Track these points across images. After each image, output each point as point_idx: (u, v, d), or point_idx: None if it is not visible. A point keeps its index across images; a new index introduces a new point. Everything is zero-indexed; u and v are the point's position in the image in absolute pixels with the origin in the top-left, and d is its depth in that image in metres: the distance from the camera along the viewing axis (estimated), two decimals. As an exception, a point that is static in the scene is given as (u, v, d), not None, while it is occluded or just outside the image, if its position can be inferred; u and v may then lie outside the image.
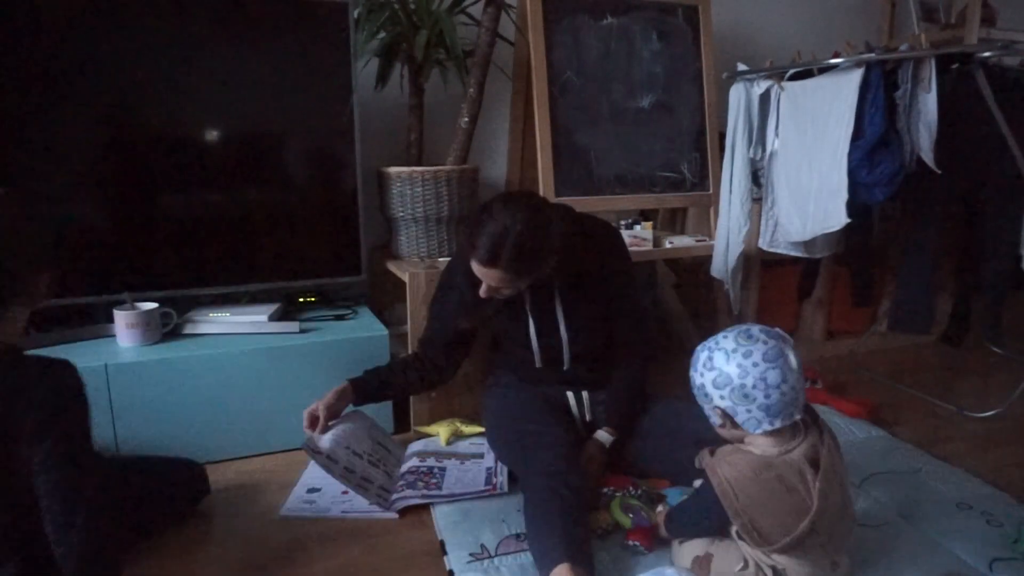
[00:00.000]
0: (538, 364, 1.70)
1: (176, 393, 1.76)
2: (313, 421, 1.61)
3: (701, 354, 1.23)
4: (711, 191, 2.51)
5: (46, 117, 1.81)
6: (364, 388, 1.69)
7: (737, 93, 2.39)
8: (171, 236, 1.96)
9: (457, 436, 1.90)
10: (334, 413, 1.64)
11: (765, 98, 2.33)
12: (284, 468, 1.79)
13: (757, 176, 2.41)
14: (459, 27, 2.12)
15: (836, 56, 2.10)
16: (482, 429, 1.85)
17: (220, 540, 1.49)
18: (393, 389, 1.75)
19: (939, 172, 1.96)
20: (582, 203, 2.13)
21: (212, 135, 1.98)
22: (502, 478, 1.64)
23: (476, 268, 1.50)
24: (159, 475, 1.52)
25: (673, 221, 2.81)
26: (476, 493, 1.61)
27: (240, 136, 2.01)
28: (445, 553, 1.42)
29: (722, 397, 1.18)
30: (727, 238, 2.39)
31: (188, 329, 1.93)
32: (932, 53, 1.93)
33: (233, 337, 1.90)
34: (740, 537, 1.23)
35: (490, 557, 1.39)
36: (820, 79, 2.15)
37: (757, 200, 2.40)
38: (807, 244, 2.33)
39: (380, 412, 1.98)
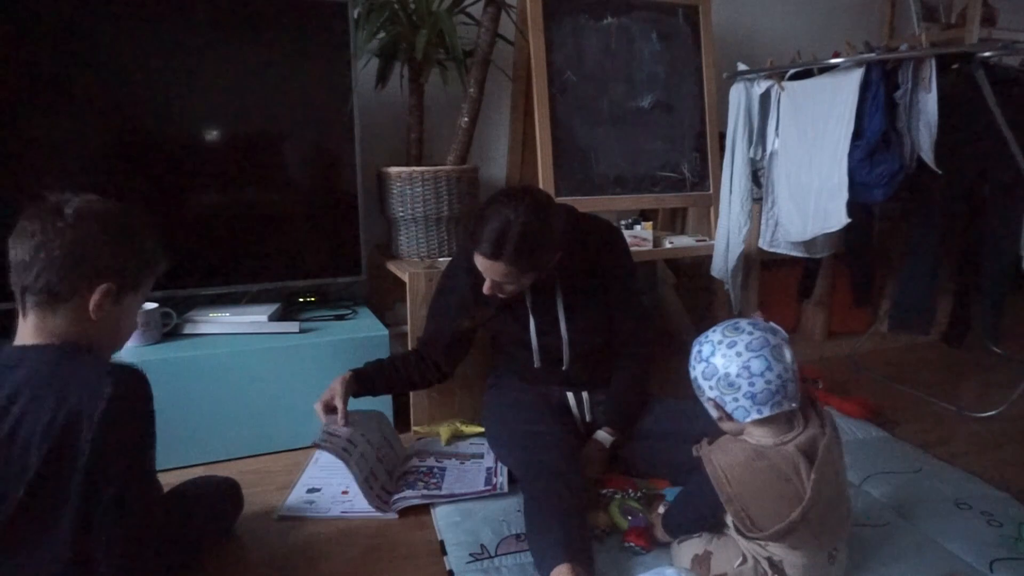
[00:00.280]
0: (537, 364, 1.70)
1: (176, 393, 1.76)
2: (330, 410, 1.60)
3: (693, 348, 1.27)
4: (711, 191, 2.50)
5: (46, 117, 1.81)
6: (366, 379, 1.67)
7: (737, 93, 2.39)
8: (171, 236, 1.96)
9: (457, 436, 1.90)
10: (345, 403, 1.64)
11: (765, 98, 2.33)
12: (283, 468, 1.79)
13: (757, 176, 2.41)
14: (459, 27, 2.12)
15: (836, 56, 2.10)
16: (482, 429, 1.85)
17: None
18: (393, 383, 1.74)
19: (939, 172, 1.96)
20: (582, 203, 2.13)
21: (212, 135, 1.98)
22: (502, 478, 1.64)
23: (479, 262, 1.50)
24: (202, 497, 1.46)
25: (673, 221, 2.81)
26: (476, 493, 1.60)
27: (240, 136, 2.01)
28: (445, 553, 1.42)
29: (711, 388, 1.22)
30: (727, 238, 2.39)
31: (188, 329, 1.93)
32: (932, 53, 1.93)
33: (233, 337, 1.90)
34: (737, 531, 1.23)
35: (490, 557, 1.39)
36: (820, 79, 2.15)
37: (757, 200, 2.40)
38: (807, 244, 2.33)
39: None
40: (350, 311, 2.16)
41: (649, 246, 2.35)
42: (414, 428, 2.00)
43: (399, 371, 1.72)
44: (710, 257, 2.46)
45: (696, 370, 1.24)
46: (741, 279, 2.43)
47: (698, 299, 2.72)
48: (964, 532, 1.46)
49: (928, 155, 1.96)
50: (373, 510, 1.57)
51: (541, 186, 2.25)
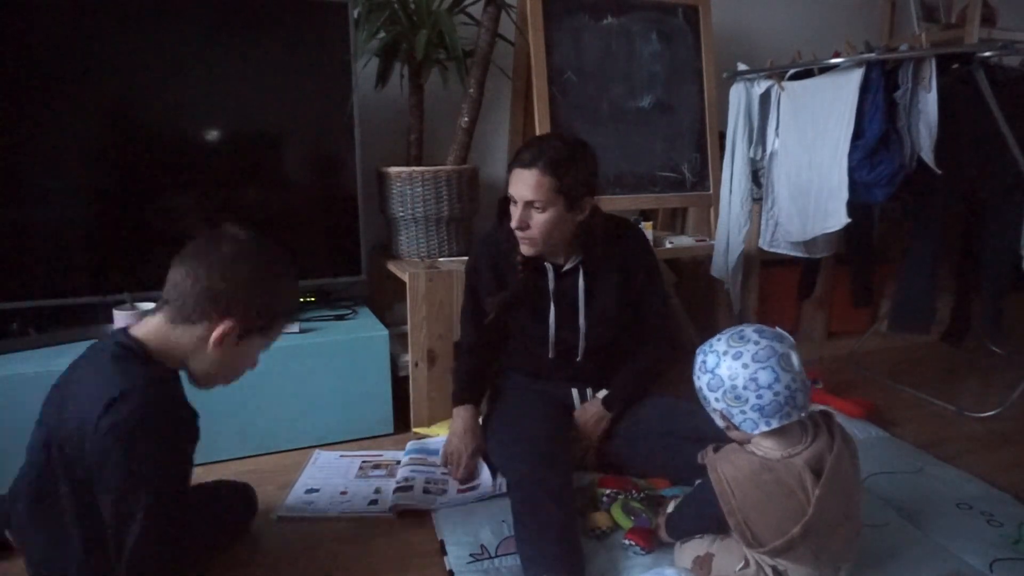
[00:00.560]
0: (551, 355, 1.70)
1: (176, 393, 1.76)
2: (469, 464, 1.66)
3: (697, 358, 1.23)
4: (711, 191, 2.50)
5: (47, 117, 1.81)
6: (476, 402, 1.74)
7: (737, 93, 2.39)
8: (171, 236, 1.96)
9: (457, 436, 1.90)
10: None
11: (765, 98, 2.33)
12: (283, 468, 1.79)
13: (757, 176, 2.41)
14: (459, 27, 2.12)
15: (836, 56, 2.10)
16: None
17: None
18: (482, 392, 1.80)
19: (939, 172, 1.96)
20: (582, 203, 2.13)
21: (212, 135, 1.98)
22: (503, 479, 1.64)
23: (515, 178, 1.53)
24: (217, 501, 1.47)
25: (673, 221, 2.81)
26: (477, 494, 1.60)
27: (240, 136, 2.01)
28: (445, 553, 1.41)
29: (717, 400, 1.19)
30: (727, 238, 2.39)
31: (188, 329, 1.93)
32: (932, 53, 1.93)
33: (233, 337, 1.90)
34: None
35: (490, 557, 1.39)
36: (820, 79, 2.15)
37: (757, 200, 2.40)
38: (807, 244, 2.32)
39: (380, 412, 1.98)
40: (350, 311, 2.16)
41: (653, 250, 2.34)
42: (414, 428, 2.00)
43: (486, 380, 1.79)
44: (710, 257, 2.46)
45: (701, 381, 1.21)
46: (741, 279, 2.43)
47: (698, 299, 2.72)
48: (964, 532, 1.46)
49: (928, 155, 1.96)
50: (372, 510, 1.57)
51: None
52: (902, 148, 1.99)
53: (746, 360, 1.15)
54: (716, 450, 1.26)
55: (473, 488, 1.63)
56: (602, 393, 1.71)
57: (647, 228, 2.34)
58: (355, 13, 2.03)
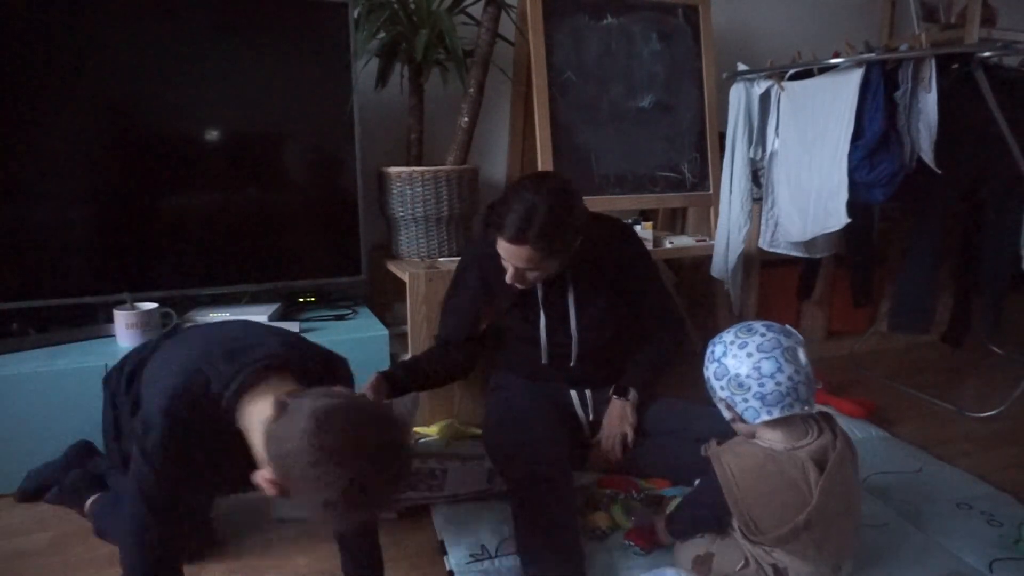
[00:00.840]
0: (544, 360, 1.70)
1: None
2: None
3: (707, 349, 1.27)
4: (711, 191, 2.50)
5: (47, 117, 1.81)
6: (396, 380, 1.65)
7: (737, 93, 2.39)
8: (171, 236, 1.96)
9: (457, 436, 1.90)
10: None
11: (765, 98, 2.32)
12: (284, 468, 1.79)
13: (757, 176, 2.40)
14: (459, 27, 2.12)
15: (836, 56, 2.10)
16: (479, 431, 1.84)
17: (218, 541, 1.49)
18: (423, 382, 1.73)
19: (939, 172, 1.96)
20: (582, 203, 2.13)
21: (212, 135, 1.98)
22: (503, 479, 1.64)
23: (503, 248, 1.50)
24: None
25: (673, 221, 2.81)
26: (477, 494, 1.60)
27: (240, 136, 2.01)
28: (445, 553, 1.42)
29: (722, 388, 1.23)
30: (727, 238, 2.38)
31: (188, 329, 1.93)
32: (932, 53, 1.93)
33: (233, 337, 1.90)
34: (742, 534, 1.23)
35: (490, 557, 1.39)
36: (820, 79, 2.15)
37: (757, 200, 2.40)
38: (807, 244, 2.32)
39: (380, 412, 1.97)
40: (350, 311, 2.16)
41: (649, 246, 2.34)
42: (414, 428, 2.00)
43: (426, 369, 1.71)
44: (710, 257, 2.46)
45: (708, 370, 1.25)
46: (741, 279, 2.43)
47: (698, 299, 2.72)
48: (964, 532, 1.46)
49: (928, 155, 1.96)
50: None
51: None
52: (902, 148, 1.99)
53: (751, 350, 1.19)
54: (719, 444, 1.27)
55: (439, 490, 1.61)
56: (629, 394, 1.69)
57: (647, 228, 2.34)
58: (355, 13, 2.03)
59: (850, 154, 2.01)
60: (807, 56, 2.30)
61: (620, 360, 1.75)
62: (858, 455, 1.27)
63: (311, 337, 1.90)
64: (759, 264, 2.52)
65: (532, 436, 1.56)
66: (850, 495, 1.22)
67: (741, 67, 2.40)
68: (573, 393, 1.75)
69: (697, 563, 1.28)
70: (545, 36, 2.26)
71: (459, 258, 2.11)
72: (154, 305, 1.88)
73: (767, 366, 1.17)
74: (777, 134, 2.30)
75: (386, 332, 1.99)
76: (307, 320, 2.05)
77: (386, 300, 2.34)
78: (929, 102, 1.93)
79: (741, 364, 1.19)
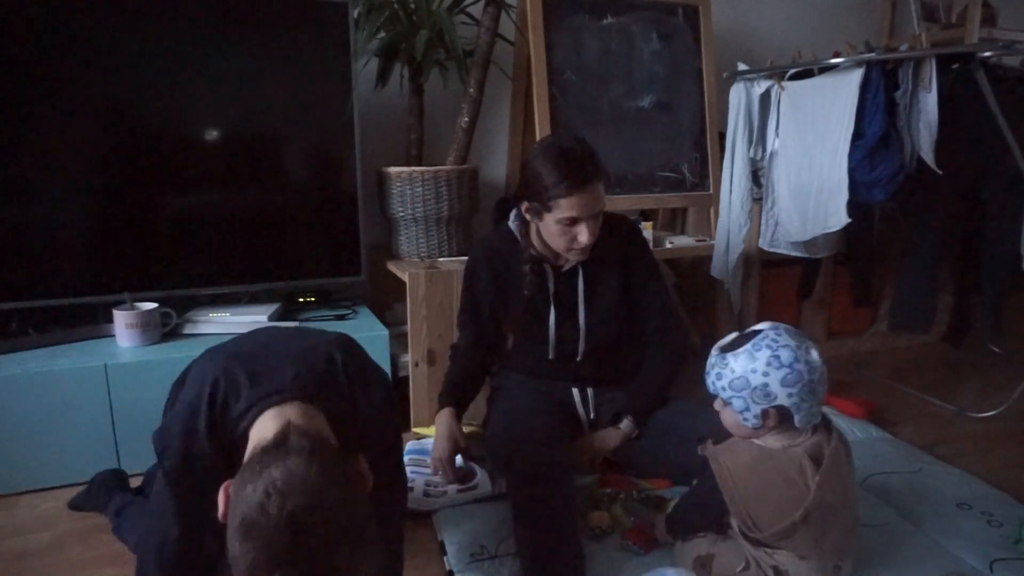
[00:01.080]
0: (551, 355, 1.70)
1: (176, 393, 1.76)
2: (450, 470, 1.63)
3: (758, 353, 1.18)
4: (711, 191, 2.50)
5: (47, 117, 1.81)
6: (459, 409, 1.70)
7: (737, 93, 2.39)
8: (171, 236, 1.96)
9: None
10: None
11: (765, 98, 2.33)
12: (284, 468, 1.79)
13: (757, 176, 2.40)
14: (459, 27, 2.12)
15: (836, 56, 2.10)
16: (478, 429, 1.84)
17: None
18: (471, 395, 1.77)
19: (939, 172, 1.96)
20: (582, 203, 2.13)
21: (212, 135, 1.98)
22: (503, 480, 1.64)
23: (584, 198, 1.45)
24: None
25: (673, 221, 2.81)
26: (479, 495, 1.60)
27: (240, 136, 2.01)
28: (445, 553, 1.42)
29: (790, 395, 1.17)
30: (727, 238, 2.38)
31: (188, 329, 1.93)
32: (932, 53, 1.93)
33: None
34: (743, 535, 1.23)
35: (490, 557, 1.39)
36: (820, 79, 2.15)
37: (757, 200, 2.40)
38: (807, 244, 2.32)
39: (380, 412, 1.97)
40: (350, 311, 2.16)
41: (649, 246, 2.34)
42: (414, 428, 2.00)
43: (477, 385, 1.77)
44: (710, 257, 2.46)
45: (770, 376, 1.17)
46: (741, 279, 2.43)
47: (698, 299, 2.72)
48: (964, 532, 1.46)
49: (928, 155, 1.96)
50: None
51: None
52: (902, 148, 1.99)
53: (814, 355, 1.19)
54: (716, 443, 1.27)
55: (472, 488, 1.63)
56: (624, 424, 1.67)
57: (647, 228, 2.34)
58: (355, 13, 2.03)
59: (850, 154, 2.01)
60: (807, 56, 2.30)
61: (624, 359, 1.75)
62: (852, 452, 1.28)
63: (311, 337, 1.92)
64: (759, 264, 2.52)
65: (533, 436, 1.56)
66: (847, 491, 1.23)
67: (741, 67, 2.40)
68: (575, 391, 1.75)
69: (697, 564, 1.27)
70: (545, 36, 2.26)
71: (460, 258, 2.12)
72: (154, 305, 1.88)
73: (823, 369, 1.20)
74: (777, 134, 2.30)
75: (386, 332, 1.99)
76: (307, 320, 2.05)
77: (386, 300, 2.34)
78: (929, 102, 1.93)
79: (814, 370, 1.18)
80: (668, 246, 2.41)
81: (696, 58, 2.50)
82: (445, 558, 1.40)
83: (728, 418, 1.25)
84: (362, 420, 1.08)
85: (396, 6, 2.08)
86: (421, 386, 2.00)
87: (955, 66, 2.00)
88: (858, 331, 2.78)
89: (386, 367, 1.98)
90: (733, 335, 1.26)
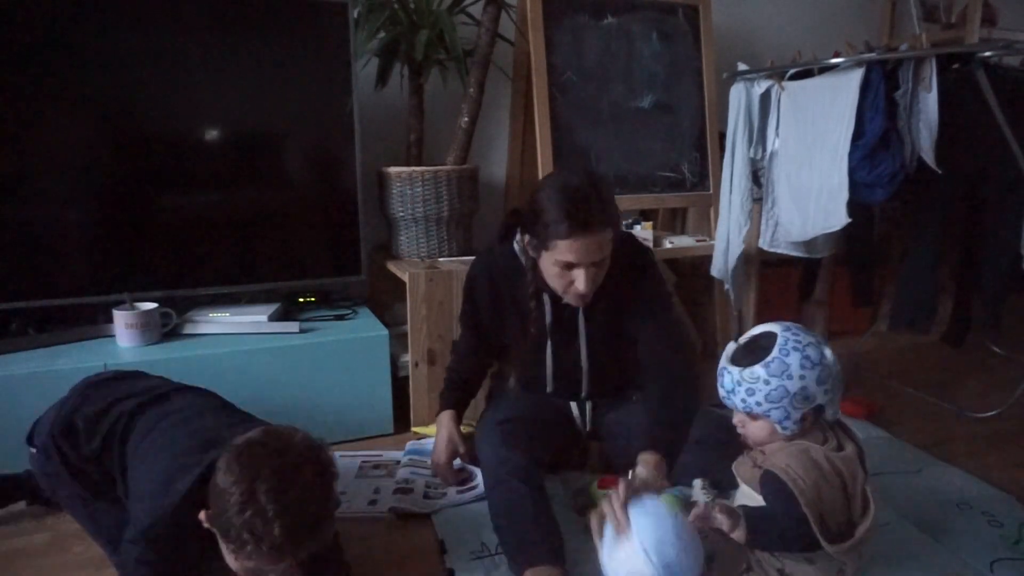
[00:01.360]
0: (550, 389, 1.64)
1: (176, 393, 1.76)
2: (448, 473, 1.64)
3: (789, 359, 1.15)
4: (711, 191, 2.50)
5: (47, 117, 1.81)
6: (460, 410, 1.70)
7: (737, 93, 2.39)
8: (171, 236, 1.96)
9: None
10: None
11: (765, 98, 2.32)
12: (284, 468, 1.79)
13: (757, 176, 2.40)
14: (459, 27, 2.12)
15: (836, 56, 2.10)
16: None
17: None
18: (472, 393, 1.76)
19: (940, 172, 1.96)
20: (582, 203, 2.13)
21: (212, 135, 1.98)
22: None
23: (575, 250, 1.32)
24: None
25: (673, 221, 2.81)
26: (478, 495, 1.60)
27: (240, 136, 2.01)
28: (445, 552, 1.41)
29: (826, 392, 1.16)
30: (727, 238, 2.38)
31: (188, 329, 1.93)
32: (933, 53, 1.93)
33: (233, 337, 1.90)
34: (806, 547, 1.15)
35: (491, 555, 1.39)
36: (820, 79, 2.15)
37: (757, 200, 2.39)
38: (807, 244, 2.32)
39: (380, 412, 1.98)
40: (350, 311, 2.16)
41: (649, 246, 2.34)
42: (414, 428, 2.00)
43: (476, 385, 1.76)
44: (710, 257, 2.46)
45: (807, 378, 1.14)
46: (741, 279, 2.43)
47: (698, 299, 2.72)
48: (964, 532, 1.46)
49: (928, 155, 1.96)
50: (371, 510, 1.57)
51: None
52: (902, 148, 1.99)
53: (828, 346, 1.20)
54: (746, 454, 1.24)
55: (471, 489, 1.63)
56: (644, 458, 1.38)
57: (647, 228, 2.35)
58: (355, 13, 2.03)
59: (850, 154, 2.01)
60: (807, 56, 2.30)
61: (628, 374, 1.66)
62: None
63: (311, 337, 1.92)
64: (759, 264, 2.52)
65: (508, 424, 1.55)
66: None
67: (741, 67, 2.40)
68: (574, 406, 1.71)
69: (698, 564, 1.27)
70: (545, 36, 2.26)
71: (459, 258, 2.12)
72: (154, 305, 1.88)
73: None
74: (777, 134, 2.30)
75: (386, 332, 1.99)
76: (307, 320, 2.05)
77: (386, 300, 2.34)
78: (929, 102, 1.93)
79: (836, 363, 1.19)
80: (668, 246, 2.41)
81: (696, 58, 2.50)
82: (445, 557, 1.40)
83: (758, 432, 1.20)
84: None
85: (396, 6, 2.08)
86: (421, 386, 2.00)
87: (955, 66, 2.00)
88: (858, 331, 2.78)
89: (386, 367, 1.99)
90: (736, 345, 1.23)
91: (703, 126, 2.51)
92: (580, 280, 1.37)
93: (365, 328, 2.02)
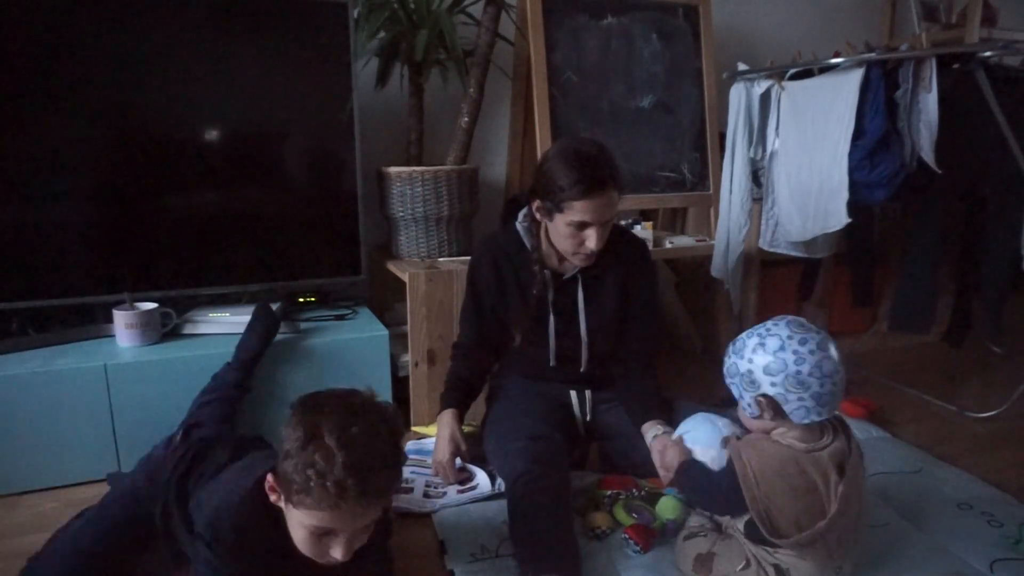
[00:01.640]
0: (553, 362, 1.69)
1: (175, 393, 1.76)
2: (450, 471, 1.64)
3: (749, 340, 1.20)
4: (711, 191, 2.50)
5: (47, 117, 1.81)
6: (462, 409, 1.70)
7: (737, 93, 2.39)
8: (171, 236, 1.96)
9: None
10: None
11: (765, 98, 2.33)
12: (284, 468, 1.79)
13: (757, 176, 2.40)
14: (459, 27, 2.12)
15: (836, 56, 2.10)
16: (476, 429, 1.84)
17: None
18: (475, 394, 1.77)
19: (939, 172, 1.96)
20: (582, 203, 2.13)
21: (212, 135, 1.98)
22: (501, 480, 1.64)
23: (597, 204, 1.43)
24: None
25: (673, 221, 2.81)
26: (478, 495, 1.60)
27: (240, 136, 2.01)
28: (445, 552, 1.41)
29: (773, 384, 1.16)
30: (727, 238, 2.38)
31: (188, 329, 1.93)
32: (933, 53, 1.93)
33: (233, 337, 1.89)
34: (748, 535, 1.22)
35: (491, 557, 1.39)
36: (820, 79, 2.15)
37: (757, 200, 2.40)
38: (807, 244, 2.32)
39: (380, 412, 1.97)
40: (350, 311, 2.16)
41: (649, 246, 2.34)
42: (414, 428, 2.00)
43: (478, 386, 1.77)
44: (710, 257, 2.46)
45: (754, 363, 1.17)
46: (741, 279, 2.43)
47: (698, 299, 2.72)
48: (964, 532, 1.46)
49: (928, 155, 1.96)
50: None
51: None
52: (902, 148, 1.99)
53: (812, 347, 1.14)
54: (739, 438, 1.26)
55: (471, 489, 1.63)
56: (653, 429, 1.57)
57: (647, 228, 2.34)
58: (355, 13, 2.03)
59: (850, 154, 2.01)
60: (807, 56, 2.30)
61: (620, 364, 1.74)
62: (863, 458, 1.26)
63: (311, 337, 1.92)
64: (759, 264, 2.52)
65: (530, 433, 1.56)
66: (861, 499, 1.21)
67: (741, 67, 2.40)
68: (573, 393, 1.75)
69: (698, 561, 1.27)
70: (545, 36, 2.26)
71: (460, 258, 2.12)
72: (154, 305, 1.88)
73: (828, 366, 1.14)
74: (777, 134, 2.30)
75: (386, 332, 1.99)
76: (307, 320, 2.05)
77: (386, 300, 2.34)
78: (929, 102, 1.93)
79: (804, 361, 1.13)
80: (668, 246, 2.41)
81: (696, 58, 2.50)
82: (445, 558, 1.40)
83: (741, 412, 1.26)
84: None
85: (396, 6, 2.08)
86: (421, 386, 2.00)
87: (955, 66, 2.00)
88: (858, 331, 2.78)
89: (386, 367, 1.99)
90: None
91: (703, 126, 2.51)
92: (592, 239, 1.49)
93: (365, 328, 2.02)
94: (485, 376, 1.79)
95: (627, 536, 1.40)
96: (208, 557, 1.07)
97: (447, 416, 1.66)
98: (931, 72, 1.92)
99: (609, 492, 1.56)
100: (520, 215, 1.65)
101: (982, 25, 2.77)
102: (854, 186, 2.02)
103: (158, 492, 1.25)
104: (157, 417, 1.74)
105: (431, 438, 1.91)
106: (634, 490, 1.56)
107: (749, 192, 2.36)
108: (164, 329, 1.89)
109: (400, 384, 2.03)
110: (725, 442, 1.30)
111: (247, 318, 1.94)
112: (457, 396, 1.71)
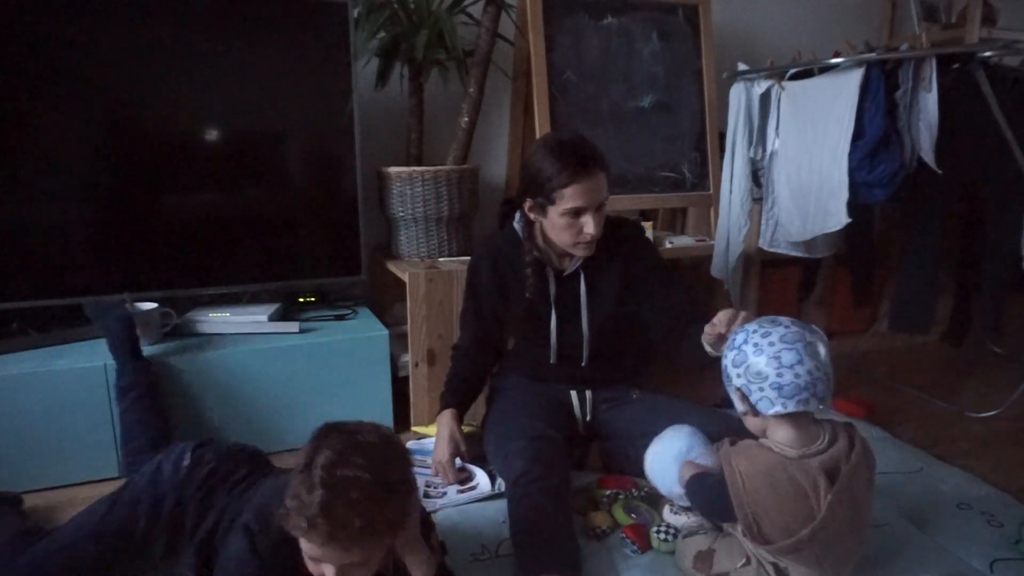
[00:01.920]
0: (553, 359, 1.69)
1: (175, 393, 1.76)
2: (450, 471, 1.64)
3: (731, 339, 1.26)
4: (711, 191, 2.50)
5: (47, 117, 1.80)
6: (461, 411, 1.71)
7: (737, 93, 2.39)
8: (171, 236, 1.96)
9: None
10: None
11: (765, 98, 2.33)
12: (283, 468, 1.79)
13: (757, 176, 2.41)
14: (459, 27, 2.12)
15: (836, 56, 2.10)
16: (476, 430, 1.84)
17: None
18: (474, 395, 1.77)
19: (940, 172, 1.96)
20: (582, 203, 2.13)
21: (212, 135, 1.98)
22: (502, 480, 1.64)
23: (587, 187, 1.45)
24: None
25: (673, 221, 2.81)
26: (478, 495, 1.60)
27: (240, 136, 2.01)
28: (445, 553, 1.41)
29: (738, 376, 1.21)
30: (727, 238, 2.38)
31: (188, 329, 1.93)
32: (933, 53, 1.93)
33: (233, 337, 1.90)
34: (744, 535, 1.22)
35: (491, 557, 1.39)
36: (820, 79, 2.15)
37: (757, 200, 2.40)
38: (807, 244, 2.32)
39: (380, 412, 1.98)
40: (350, 311, 2.16)
41: (655, 246, 2.35)
42: (414, 428, 2.00)
43: (478, 387, 1.77)
44: (710, 257, 2.46)
45: (727, 358, 1.24)
46: (741, 279, 2.43)
47: (698, 299, 2.72)
48: (965, 532, 1.46)
49: (928, 155, 1.96)
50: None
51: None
52: (902, 148, 1.99)
53: (773, 339, 1.17)
54: (732, 443, 1.26)
55: (471, 488, 1.63)
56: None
57: (647, 228, 2.34)
58: (355, 13, 2.03)
59: (850, 154, 2.01)
60: (807, 56, 2.30)
61: (626, 361, 1.74)
62: (875, 467, 1.24)
63: (311, 337, 1.92)
64: (759, 264, 2.52)
65: (530, 434, 1.55)
66: (859, 510, 1.19)
67: (741, 67, 2.40)
68: (574, 394, 1.75)
69: (699, 559, 1.27)
70: (545, 36, 2.26)
71: (459, 258, 2.12)
72: (154, 305, 1.88)
73: (787, 357, 1.15)
74: (777, 134, 2.30)
75: (386, 332, 1.99)
76: (307, 320, 2.05)
77: (386, 300, 2.34)
78: (929, 102, 1.93)
79: (761, 352, 1.17)
80: (668, 246, 2.41)
81: (696, 58, 2.50)
82: (445, 558, 1.40)
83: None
84: None
85: (396, 6, 2.08)
86: (421, 386, 2.00)
87: (955, 66, 2.00)
88: (858, 331, 2.78)
89: (386, 367, 1.99)
90: None
91: (703, 126, 2.51)
92: (589, 224, 1.49)
93: (365, 328, 2.02)
94: (485, 376, 1.79)
95: (625, 536, 1.40)
96: (241, 549, 1.06)
97: (447, 416, 1.66)
98: (931, 72, 1.92)
99: (608, 492, 1.56)
100: (516, 215, 1.66)
101: (982, 25, 2.77)
102: (854, 186, 2.02)
103: (161, 508, 1.26)
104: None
105: (431, 438, 1.91)
106: (633, 490, 1.56)
107: (749, 192, 2.36)
108: (164, 329, 1.89)
109: (400, 384, 2.03)
110: (715, 450, 1.30)
111: (247, 318, 1.95)
112: (457, 396, 1.71)
